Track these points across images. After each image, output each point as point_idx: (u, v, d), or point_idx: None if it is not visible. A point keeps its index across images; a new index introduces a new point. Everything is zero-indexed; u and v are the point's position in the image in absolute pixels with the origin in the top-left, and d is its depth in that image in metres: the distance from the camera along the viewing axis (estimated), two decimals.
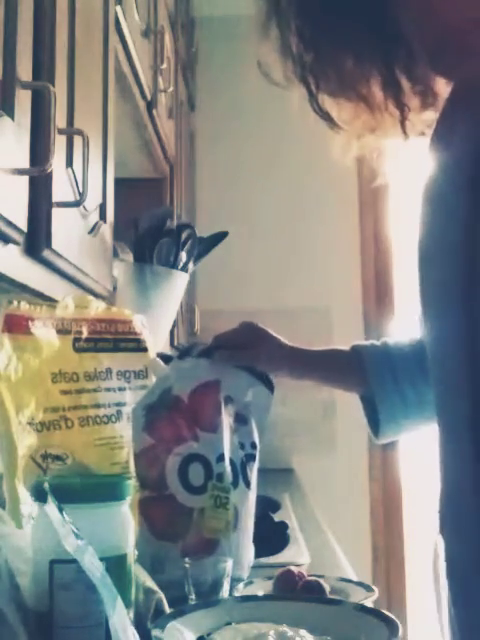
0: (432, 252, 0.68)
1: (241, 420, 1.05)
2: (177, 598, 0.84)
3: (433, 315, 0.68)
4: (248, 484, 1.01)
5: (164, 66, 1.82)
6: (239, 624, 0.71)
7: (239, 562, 0.96)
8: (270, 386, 1.09)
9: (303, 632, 0.69)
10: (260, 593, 0.89)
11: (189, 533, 0.96)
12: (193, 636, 0.70)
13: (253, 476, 1.04)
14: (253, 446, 1.05)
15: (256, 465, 1.05)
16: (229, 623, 0.72)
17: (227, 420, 1.02)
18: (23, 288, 0.88)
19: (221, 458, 0.99)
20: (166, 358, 1.10)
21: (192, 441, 0.99)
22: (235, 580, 0.89)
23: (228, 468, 0.99)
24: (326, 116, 0.86)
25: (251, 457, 1.04)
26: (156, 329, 1.37)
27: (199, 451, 0.99)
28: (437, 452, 0.70)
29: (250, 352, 1.09)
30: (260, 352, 1.09)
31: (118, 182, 1.26)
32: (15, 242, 0.79)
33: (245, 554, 0.99)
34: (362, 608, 0.76)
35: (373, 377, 1.07)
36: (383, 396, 1.06)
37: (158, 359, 1.09)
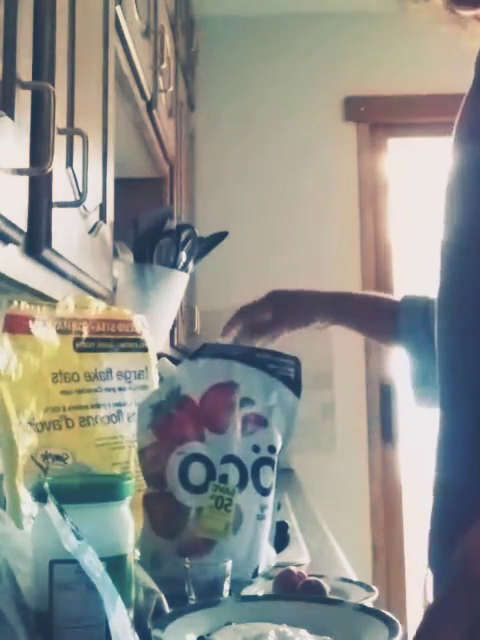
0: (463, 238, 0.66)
1: (261, 423, 1.04)
2: (176, 596, 0.84)
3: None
4: (259, 487, 1.01)
5: (164, 66, 1.82)
6: (239, 624, 0.71)
7: (241, 565, 0.95)
8: (296, 390, 1.07)
9: (303, 632, 0.69)
10: (260, 593, 0.89)
11: (185, 531, 0.96)
12: (193, 636, 0.70)
13: (269, 480, 1.02)
14: (271, 450, 1.03)
15: (275, 469, 1.03)
16: (229, 623, 0.72)
17: (239, 422, 1.02)
18: (23, 288, 0.88)
19: (227, 459, 0.99)
20: (174, 360, 1.10)
21: (196, 441, 0.99)
22: (236, 582, 0.88)
23: (235, 470, 0.99)
24: None
25: (267, 460, 1.02)
26: (156, 329, 1.37)
27: (203, 451, 0.98)
28: (433, 464, 0.67)
29: (271, 323, 1.05)
30: (283, 317, 1.07)
31: (118, 182, 1.26)
32: (15, 242, 0.79)
33: (251, 557, 0.98)
34: (362, 608, 0.76)
35: (405, 332, 1.00)
36: (417, 352, 0.98)
37: (166, 359, 1.09)
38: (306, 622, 0.71)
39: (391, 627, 0.69)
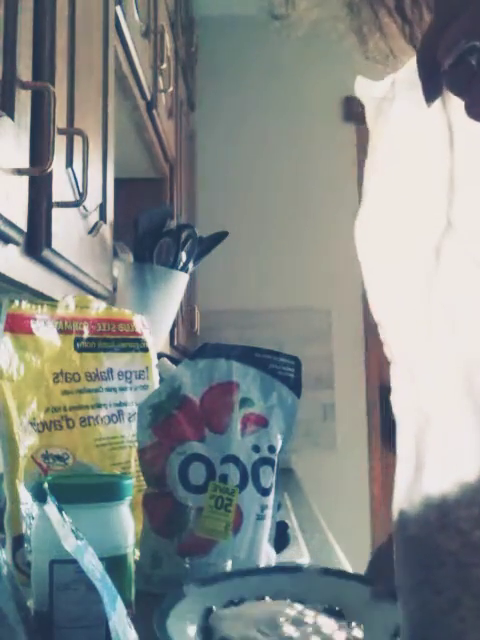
0: None
1: (261, 423, 1.04)
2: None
3: None
4: (259, 487, 1.01)
5: (164, 66, 1.82)
6: (252, 603, 0.70)
7: (241, 565, 0.95)
8: (296, 390, 1.07)
9: (321, 618, 0.67)
10: None
11: (185, 531, 0.96)
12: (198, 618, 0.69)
13: (269, 480, 1.02)
14: (271, 450, 1.03)
15: (275, 469, 1.04)
16: (233, 602, 0.70)
17: (239, 422, 1.02)
18: (23, 288, 0.88)
19: (227, 459, 0.99)
20: (174, 360, 1.10)
21: (196, 441, 0.99)
22: None
23: (235, 470, 0.99)
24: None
25: (267, 461, 1.03)
26: (156, 329, 1.37)
27: (202, 451, 0.98)
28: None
29: None
30: None
31: (118, 182, 1.26)
32: (15, 242, 0.79)
33: (251, 557, 0.98)
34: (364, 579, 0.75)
35: None
36: None
37: (166, 359, 1.09)
38: (322, 595, 0.70)
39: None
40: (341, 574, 0.81)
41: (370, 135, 0.57)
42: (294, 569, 0.80)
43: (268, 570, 0.84)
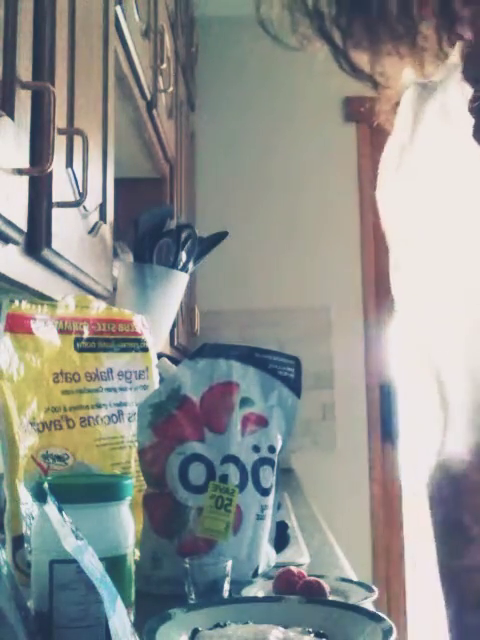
0: None
1: (261, 423, 1.04)
2: (176, 596, 0.84)
3: None
4: (259, 487, 1.01)
5: (164, 66, 1.82)
6: (236, 625, 0.71)
7: (241, 565, 0.95)
8: (296, 390, 1.07)
9: (306, 638, 0.68)
10: (260, 593, 0.89)
11: (185, 531, 0.96)
12: (186, 637, 0.70)
13: (269, 480, 1.02)
14: (271, 450, 1.03)
15: (275, 469, 1.04)
16: (226, 624, 0.71)
17: (239, 422, 1.02)
18: (23, 288, 0.88)
19: (227, 459, 0.99)
20: (174, 360, 1.10)
21: (196, 441, 0.99)
22: (236, 582, 0.88)
23: (235, 470, 0.99)
24: (362, 75, 0.70)
25: (267, 461, 1.03)
26: (156, 329, 1.37)
27: (202, 451, 0.98)
28: None
29: None
30: None
31: (118, 182, 1.26)
32: (15, 242, 0.79)
33: (251, 557, 0.98)
34: (359, 609, 0.76)
35: None
36: None
37: (166, 359, 1.09)
38: (305, 622, 0.71)
39: (386, 628, 0.69)
40: (324, 602, 0.81)
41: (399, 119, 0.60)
42: (277, 598, 0.81)
43: (252, 599, 0.85)
